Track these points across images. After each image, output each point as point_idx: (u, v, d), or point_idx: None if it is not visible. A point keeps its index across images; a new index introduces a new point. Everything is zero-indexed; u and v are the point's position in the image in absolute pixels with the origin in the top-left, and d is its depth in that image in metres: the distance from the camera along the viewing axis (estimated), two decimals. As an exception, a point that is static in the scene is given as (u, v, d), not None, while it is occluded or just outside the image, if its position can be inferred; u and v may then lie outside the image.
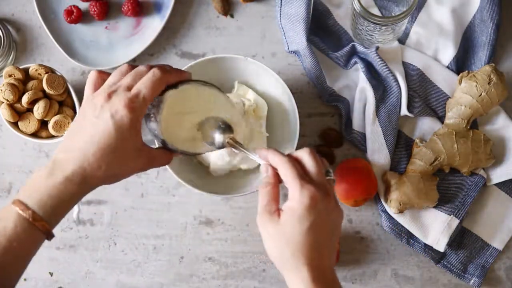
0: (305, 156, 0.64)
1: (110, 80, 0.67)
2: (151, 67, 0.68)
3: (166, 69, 0.67)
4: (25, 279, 0.89)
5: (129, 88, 0.65)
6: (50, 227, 0.63)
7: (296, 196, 0.61)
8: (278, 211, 0.63)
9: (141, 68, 0.67)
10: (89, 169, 0.63)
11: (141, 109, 0.64)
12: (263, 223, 0.63)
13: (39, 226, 0.62)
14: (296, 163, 0.63)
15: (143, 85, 0.65)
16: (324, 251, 0.62)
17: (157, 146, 0.70)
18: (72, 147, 0.64)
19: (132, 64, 0.69)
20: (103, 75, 0.69)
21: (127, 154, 0.65)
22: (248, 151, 0.69)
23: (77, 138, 0.64)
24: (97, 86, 0.68)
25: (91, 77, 0.68)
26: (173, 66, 0.88)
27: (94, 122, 0.64)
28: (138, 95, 0.64)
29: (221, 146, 0.71)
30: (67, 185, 0.63)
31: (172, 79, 0.68)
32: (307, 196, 0.61)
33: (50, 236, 0.64)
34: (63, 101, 0.87)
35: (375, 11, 0.88)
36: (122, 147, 0.64)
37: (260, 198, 0.65)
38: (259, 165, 0.84)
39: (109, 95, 0.64)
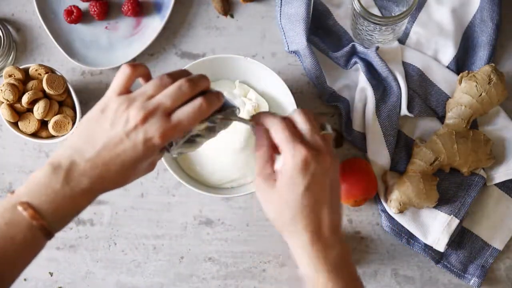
0: (297, 116, 0.63)
1: (148, 90, 0.62)
2: (194, 84, 0.62)
3: (212, 100, 0.62)
4: (25, 279, 0.89)
5: (168, 113, 0.60)
6: (55, 232, 0.61)
7: (289, 159, 0.60)
8: (273, 174, 0.62)
9: (184, 86, 0.61)
10: (107, 185, 0.61)
11: (174, 137, 0.62)
12: (260, 188, 0.63)
13: (46, 233, 0.59)
14: (289, 124, 0.62)
15: (185, 116, 0.60)
16: (323, 211, 0.60)
17: None
18: (93, 157, 0.60)
19: (174, 71, 0.64)
20: (137, 71, 0.63)
21: (142, 169, 0.64)
22: (241, 117, 0.67)
23: (101, 150, 0.60)
24: (127, 85, 0.63)
25: (124, 74, 0.63)
26: (173, 66, 0.88)
27: (123, 138, 0.60)
28: (177, 127, 0.60)
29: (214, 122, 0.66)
30: (83, 198, 0.61)
31: (213, 110, 0.63)
32: (299, 159, 0.59)
33: (50, 236, 0.62)
34: (63, 101, 0.87)
35: (375, 11, 0.88)
36: (141, 165, 0.62)
37: (256, 162, 0.63)
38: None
39: (146, 117, 0.59)
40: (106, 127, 0.60)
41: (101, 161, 0.60)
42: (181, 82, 0.61)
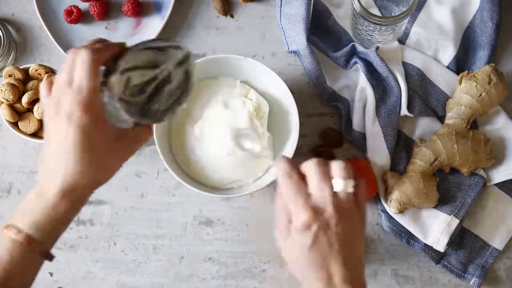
0: (310, 171, 0.62)
1: (57, 78, 0.64)
2: (78, 52, 0.64)
3: (95, 49, 0.64)
4: (25, 279, 0.89)
5: (69, 84, 0.62)
6: (47, 247, 0.62)
7: (294, 220, 0.61)
8: (291, 225, 0.62)
9: (71, 55, 0.64)
10: (72, 180, 0.61)
11: (91, 100, 0.61)
12: (278, 236, 0.63)
13: (35, 248, 0.60)
14: (300, 181, 0.62)
15: (77, 77, 0.62)
16: (332, 266, 0.61)
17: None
18: (49, 163, 0.63)
19: (74, 48, 0.66)
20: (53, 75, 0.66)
21: (104, 150, 0.63)
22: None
23: (51, 152, 0.62)
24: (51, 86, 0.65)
25: (44, 83, 0.66)
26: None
27: (57, 131, 0.62)
28: (80, 90, 0.61)
29: None
30: (57, 202, 0.61)
31: (106, 55, 0.64)
32: (301, 221, 0.60)
33: (49, 257, 0.63)
34: (63, 101, 0.87)
35: (375, 11, 0.88)
36: (94, 146, 0.62)
37: (276, 212, 0.63)
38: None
39: (59, 100, 0.62)
40: (47, 129, 0.64)
41: (53, 162, 0.62)
42: (71, 54, 0.64)
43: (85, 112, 0.61)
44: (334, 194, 0.61)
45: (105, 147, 0.63)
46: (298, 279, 0.64)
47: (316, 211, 0.60)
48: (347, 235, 0.62)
